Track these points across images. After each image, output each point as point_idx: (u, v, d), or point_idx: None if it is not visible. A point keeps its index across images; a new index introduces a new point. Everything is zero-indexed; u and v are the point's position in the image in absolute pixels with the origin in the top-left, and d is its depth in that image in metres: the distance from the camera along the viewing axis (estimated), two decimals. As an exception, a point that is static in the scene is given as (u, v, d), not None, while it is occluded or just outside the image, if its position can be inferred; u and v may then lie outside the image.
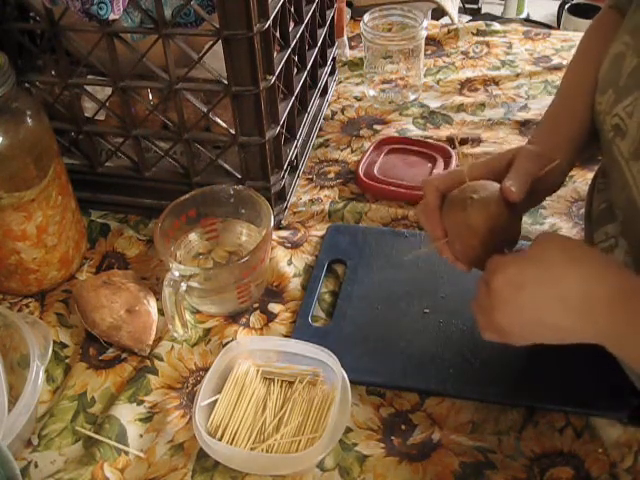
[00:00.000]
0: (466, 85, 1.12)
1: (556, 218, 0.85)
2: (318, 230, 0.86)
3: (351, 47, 1.23)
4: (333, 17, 1.05)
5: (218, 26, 0.69)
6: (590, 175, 0.81)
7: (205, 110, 0.77)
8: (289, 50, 0.81)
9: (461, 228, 0.59)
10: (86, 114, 0.83)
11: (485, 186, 0.59)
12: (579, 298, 0.51)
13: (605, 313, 0.50)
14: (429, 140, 0.98)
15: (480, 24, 1.27)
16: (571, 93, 0.70)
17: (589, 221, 0.72)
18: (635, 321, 0.49)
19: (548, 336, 0.54)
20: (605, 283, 0.51)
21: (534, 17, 2.73)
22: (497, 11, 2.81)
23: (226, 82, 0.74)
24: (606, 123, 0.61)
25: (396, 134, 1.01)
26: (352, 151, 0.99)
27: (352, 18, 1.29)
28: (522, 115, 1.04)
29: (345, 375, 0.64)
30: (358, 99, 1.11)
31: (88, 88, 0.80)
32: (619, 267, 0.54)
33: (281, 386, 0.67)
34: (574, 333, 0.53)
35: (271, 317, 0.75)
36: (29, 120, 0.70)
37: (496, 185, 0.59)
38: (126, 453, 0.63)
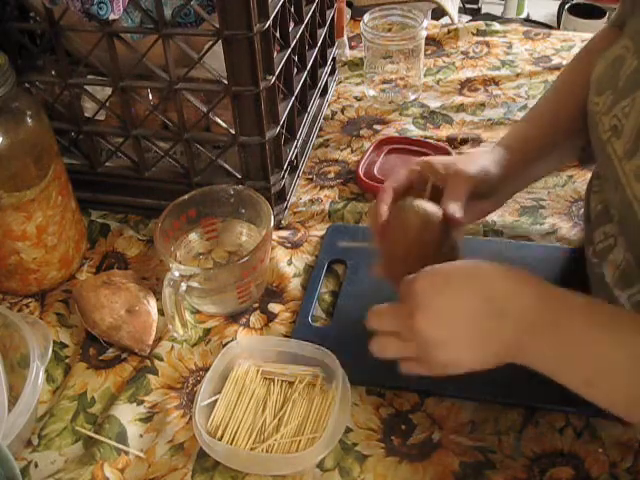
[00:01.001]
0: (466, 85, 1.12)
1: (556, 218, 0.85)
2: (318, 230, 0.86)
3: (351, 47, 1.23)
4: (333, 17, 1.05)
5: (218, 26, 0.69)
6: (590, 175, 0.81)
7: (205, 110, 0.77)
8: (289, 50, 0.81)
9: (396, 223, 0.62)
10: (86, 114, 0.83)
11: (436, 206, 0.62)
12: (504, 298, 0.52)
13: (530, 312, 0.51)
14: (429, 140, 0.98)
15: (480, 24, 1.27)
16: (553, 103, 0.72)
17: (588, 221, 0.72)
18: (554, 324, 0.51)
19: (467, 345, 0.54)
20: (531, 285, 0.53)
21: (534, 17, 2.73)
22: (497, 11, 2.81)
23: (226, 82, 0.74)
24: (602, 124, 0.61)
25: (396, 134, 1.01)
26: (352, 151, 0.99)
27: (352, 18, 1.29)
28: (522, 115, 1.03)
29: (345, 375, 0.64)
30: (358, 99, 1.11)
31: (88, 88, 0.80)
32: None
33: (281, 386, 0.67)
34: (494, 338, 0.52)
35: (271, 317, 0.75)
36: (29, 120, 0.70)
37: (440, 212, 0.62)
38: (126, 453, 0.63)
